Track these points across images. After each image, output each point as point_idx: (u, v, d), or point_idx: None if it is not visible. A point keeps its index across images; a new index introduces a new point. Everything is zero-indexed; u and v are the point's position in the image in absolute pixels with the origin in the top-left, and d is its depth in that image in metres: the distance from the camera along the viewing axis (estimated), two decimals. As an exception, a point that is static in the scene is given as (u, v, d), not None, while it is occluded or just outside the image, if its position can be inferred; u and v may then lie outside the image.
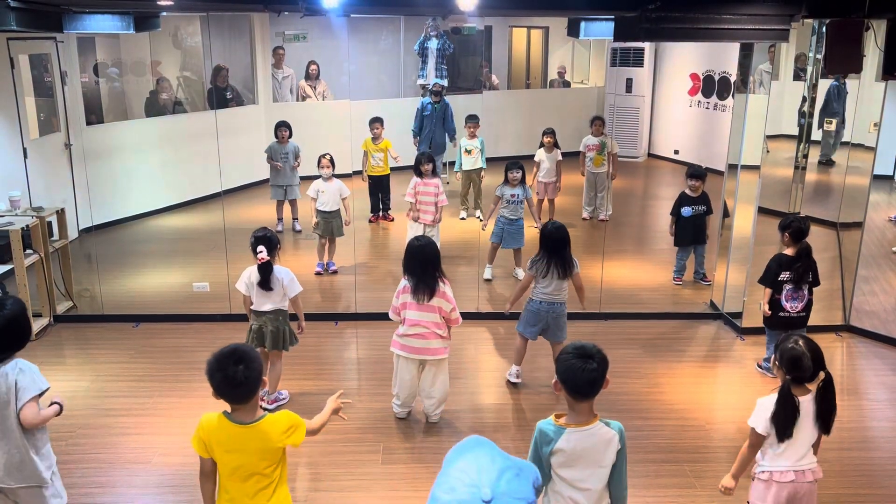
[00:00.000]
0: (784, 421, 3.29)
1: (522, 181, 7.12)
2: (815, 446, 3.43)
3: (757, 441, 3.39)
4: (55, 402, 3.40)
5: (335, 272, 7.52)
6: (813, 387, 3.35)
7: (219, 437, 2.90)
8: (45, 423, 3.33)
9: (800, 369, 3.29)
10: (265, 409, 4.87)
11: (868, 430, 5.03)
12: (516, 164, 7.21)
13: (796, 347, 3.31)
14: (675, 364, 5.85)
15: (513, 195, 7.09)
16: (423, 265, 4.63)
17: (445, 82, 10.81)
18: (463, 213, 9.26)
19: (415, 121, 9.76)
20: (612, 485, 2.89)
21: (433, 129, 9.72)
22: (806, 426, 3.34)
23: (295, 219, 8.84)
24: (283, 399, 5.14)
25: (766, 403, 3.36)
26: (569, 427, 2.84)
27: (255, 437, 2.90)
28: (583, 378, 2.80)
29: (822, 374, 3.32)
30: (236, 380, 2.82)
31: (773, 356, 3.49)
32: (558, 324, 5.26)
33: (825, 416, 3.33)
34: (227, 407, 2.94)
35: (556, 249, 5.09)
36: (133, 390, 5.35)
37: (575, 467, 2.86)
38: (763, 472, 3.41)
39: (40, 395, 3.27)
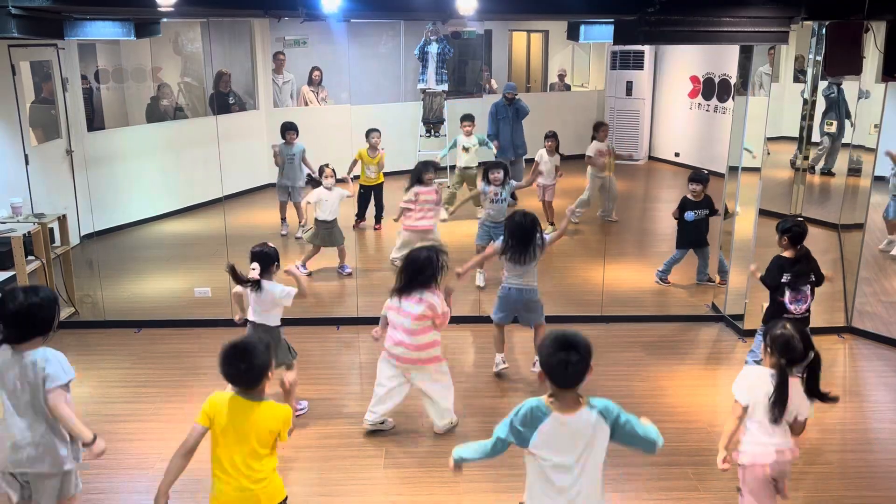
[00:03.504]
0: (782, 406, 3.37)
1: (504, 181, 7.09)
2: (800, 429, 3.52)
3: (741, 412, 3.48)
4: (93, 439, 3.40)
5: (349, 274, 7.52)
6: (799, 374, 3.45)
7: (222, 408, 3.14)
8: (66, 419, 3.38)
9: (793, 351, 3.38)
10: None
11: (870, 431, 5.03)
12: (498, 164, 7.20)
13: (785, 332, 3.42)
14: (677, 367, 5.85)
15: (495, 193, 7.07)
16: (414, 273, 4.64)
17: (446, 86, 10.83)
18: (444, 214, 9.25)
19: (489, 125, 9.91)
20: (638, 446, 2.96)
21: (511, 131, 9.79)
22: (789, 409, 3.44)
23: (302, 225, 8.80)
24: (302, 409, 5.07)
25: (751, 372, 3.49)
26: (554, 412, 2.86)
27: (252, 414, 3.13)
28: (567, 371, 2.79)
29: (811, 355, 3.42)
30: (238, 374, 3.12)
31: (762, 344, 3.56)
32: (530, 308, 5.36)
33: (812, 389, 3.42)
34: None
35: (523, 239, 5.18)
36: (135, 396, 5.35)
37: (559, 451, 2.87)
38: (746, 454, 3.50)
39: (68, 383, 3.38)
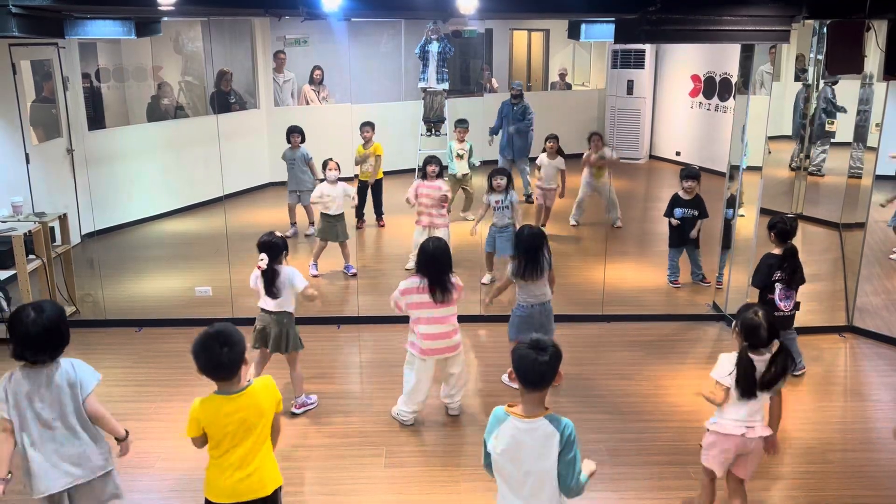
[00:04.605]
0: (746, 381, 3.63)
1: (507, 188, 7.04)
2: (776, 413, 3.76)
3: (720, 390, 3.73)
4: (125, 435, 3.51)
5: (354, 275, 7.50)
6: (767, 354, 3.67)
7: (209, 413, 3.11)
8: (106, 419, 3.45)
9: (756, 337, 3.62)
10: (293, 414, 4.92)
11: (872, 431, 5.02)
12: (500, 171, 7.15)
13: (755, 318, 3.63)
14: (679, 366, 5.84)
15: (497, 202, 7.03)
16: (439, 266, 4.70)
17: (447, 85, 10.83)
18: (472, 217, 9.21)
19: (495, 120, 9.95)
20: (560, 481, 2.92)
21: (508, 130, 9.75)
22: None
23: (311, 223, 8.81)
24: (312, 404, 5.12)
25: (729, 357, 3.72)
26: (514, 416, 2.93)
27: (243, 403, 3.11)
28: (533, 369, 2.89)
29: (776, 343, 3.65)
30: (220, 361, 3.04)
31: (733, 323, 3.80)
32: (549, 319, 5.36)
33: (773, 379, 3.63)
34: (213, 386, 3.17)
35: (532, 254, 5.15)
36: (135, 395, 5.34)
37: (512, 460, 2.92)
38: (715, 423, 3.75)
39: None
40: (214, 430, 3.12)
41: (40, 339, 3.24)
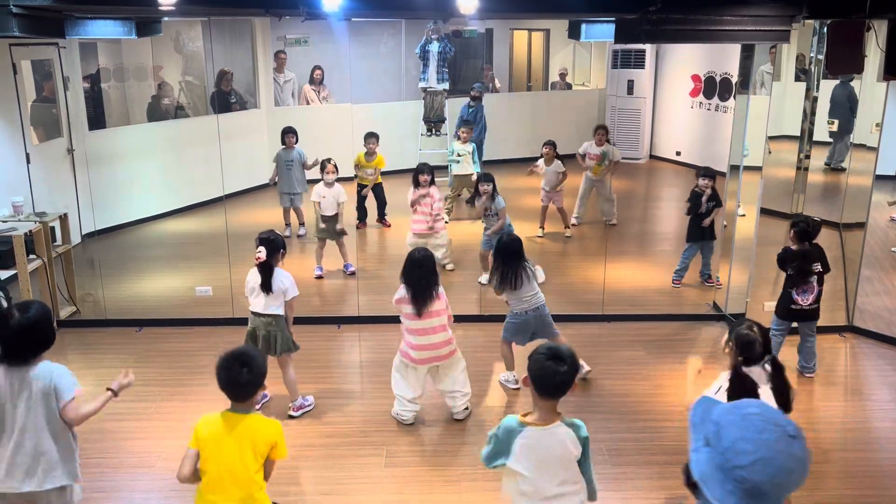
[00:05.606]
0: (744, 396, 3.47)
1: (493, 193, 6.99)
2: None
3: None
4: (109, 389, 3.50)
5: (353, 273, 7.50)
6: (757, 368, 3.58)
7: (212, 428, 3.14)
8: (93, 415, 3.41)
9: (751, 352, 3.57)
10: (290, 416, 4.92)
11: (872, 431, 5.02)
12: (486, 176, 7.12)
13: (751, 333, 3.59)
14: (679, 366, 5.84)
15: (487, 209, 7.02)
16: (421, 277, 4.68)
17: (447, 85, 10.83)
18: (445, 217, 9.16)
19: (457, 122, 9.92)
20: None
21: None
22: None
23: (301, 224, 8.82)
24: (309, 406, 5.10)
25: (725, 375, 3.59)
26: (529, 426, 2.98)
27: (245, 425, 3.15)
28: (554, 380, 2.93)
29: (767, 357, 3.59)
30: (240, 382, 3.11)
31: (724, 337, 3.73)
32: (546, 322, 5.31)
33: (780, 393, 3.52)
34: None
35: (510, 261, 5.12)
36: (136, 395, 5.31)
37: (534, 466, 2.98)
38: None
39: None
40: (206, 442, 3.11)
41: (19, 338, 3.23)
